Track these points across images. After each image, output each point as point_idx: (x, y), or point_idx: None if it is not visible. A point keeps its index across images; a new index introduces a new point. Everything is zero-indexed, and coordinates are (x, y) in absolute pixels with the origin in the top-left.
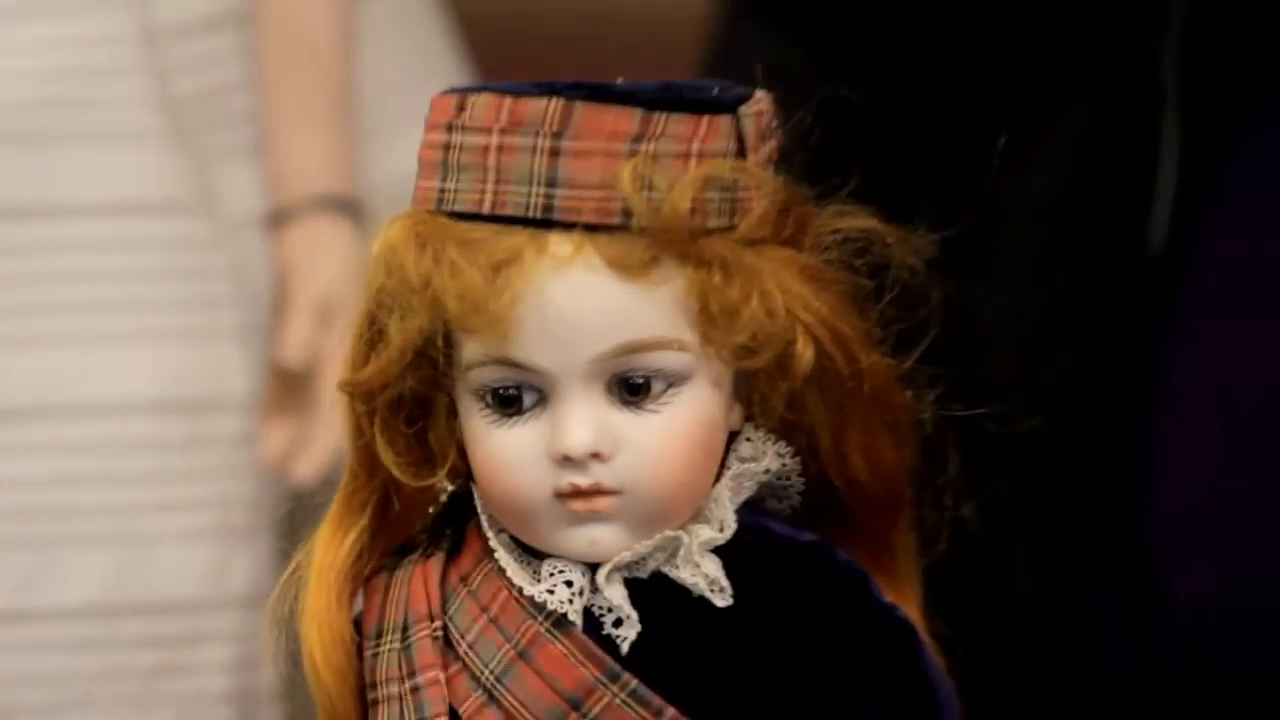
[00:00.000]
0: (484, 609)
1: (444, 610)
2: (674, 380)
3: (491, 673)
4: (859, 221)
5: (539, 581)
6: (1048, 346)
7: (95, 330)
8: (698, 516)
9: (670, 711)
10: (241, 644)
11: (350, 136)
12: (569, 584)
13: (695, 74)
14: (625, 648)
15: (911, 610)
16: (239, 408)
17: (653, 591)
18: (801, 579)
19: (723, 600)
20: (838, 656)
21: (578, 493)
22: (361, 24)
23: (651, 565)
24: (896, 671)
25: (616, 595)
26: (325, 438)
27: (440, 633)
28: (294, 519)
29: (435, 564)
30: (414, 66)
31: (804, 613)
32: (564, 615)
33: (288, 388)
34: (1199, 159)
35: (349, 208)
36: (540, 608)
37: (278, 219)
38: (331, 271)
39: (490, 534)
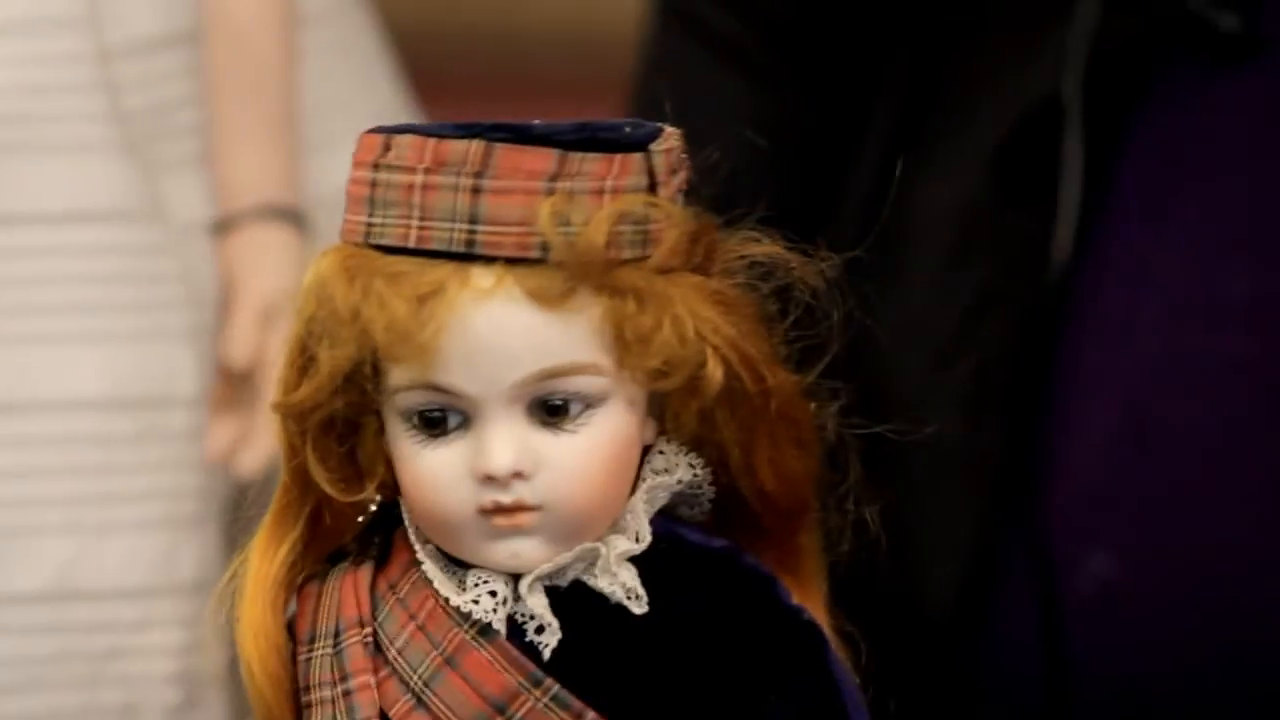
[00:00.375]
0: (412, 616)
1: (374, 617)
2: (591, 402)
3: (420, 678)
4: (764, 248)
5: (464, 591)
6: (953, 352)
7: (50, 331)
8: (615, 527)
9: (590, 715)
10: (188, 629)
11: (293, 149)
12: (493, 594)
13: (625, 89)
14: (547, 654)
15: (817, 610)
16: (187, 404)
17: (572, 600)
18: (712, 584)
19: (639, 608)
20: (746, 657)
21: (500, 509)
22: (305, 45)
23: (571, 575)
24: (802, 671)
25: (538, 604)
26: (268, 433)
27: (370, 639)
28: (236, 523)
29: (365, 572)
30: (355, 86)
31: (714, 616)
32: (488, 624)
33: (233, 386)
34: (1098, 170)
35: (292, 216)
36: (465, 616)
37: (223, 227)
38: (274, 276)
39: (417, 545)
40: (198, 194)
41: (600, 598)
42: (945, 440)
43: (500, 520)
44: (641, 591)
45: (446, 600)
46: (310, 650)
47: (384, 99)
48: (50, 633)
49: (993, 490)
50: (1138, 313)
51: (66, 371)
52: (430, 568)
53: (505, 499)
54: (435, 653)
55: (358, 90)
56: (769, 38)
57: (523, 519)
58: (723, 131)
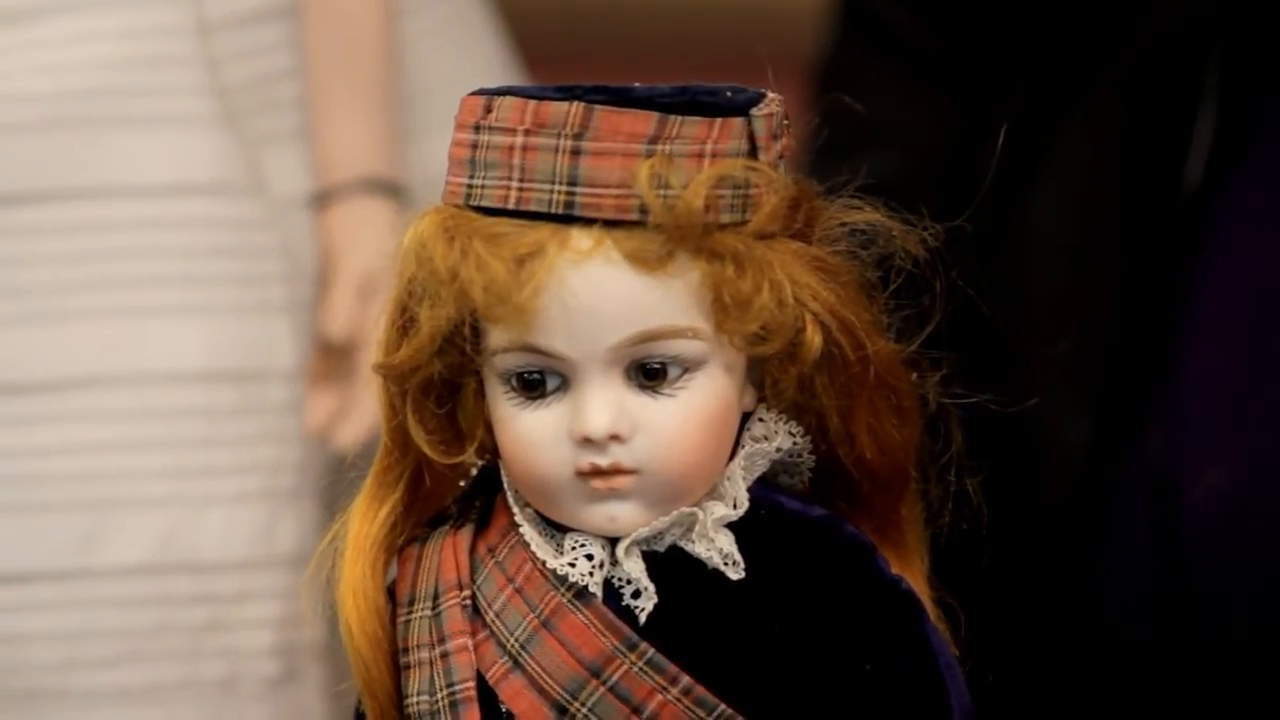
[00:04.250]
0: (510, 579)
1: (472, 580)
2: (689, 366)
3: (516, 640)
4: (865, 215)
5: (561, 554)
6: (1081, 281)
7: (150, 304)
8: (713, 493)
9: (685, 679)
10: (287, 602)
11: (392, 124)
12: (590, 557)
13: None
14: (643, 618)
15: (917, 581)
16: (286, 378)
17: (669, 565)
18: (810, 552)
19: (736, 573)
20: (844, 626)
21: (597, 472)
22: (414, 27)
23: (668, 540)
24: (900, 641)
25: (635, 568)
26: (366, 407)
27: (469, 601)
28: (335, 487)
29: (464, 535)
30: (464, 68)
31: (812, 585)
32: (585, 587)
33: (331, 360)
34: (1237, 106)
35: (391, 190)
36: (562, 580)
37: (323, 200)
38: (373, 250)
39: (515, 509)
40: (297, 168)
41: (697, 563)
42: (1066, 357)
43: (597, 483)
44: (739, 557)
45: (544, 563)
46: (409, 612)
47: (494, 80)
48: (150, 605)
49: (1109, 405)
50: (1262, 238)
51: (167, 344)
52: (528, 530)
53: (602, 462)
54: (532, 615)
55: (467, 72)
56: (953, 44)
57: (619, 482)
58: (899, 136)
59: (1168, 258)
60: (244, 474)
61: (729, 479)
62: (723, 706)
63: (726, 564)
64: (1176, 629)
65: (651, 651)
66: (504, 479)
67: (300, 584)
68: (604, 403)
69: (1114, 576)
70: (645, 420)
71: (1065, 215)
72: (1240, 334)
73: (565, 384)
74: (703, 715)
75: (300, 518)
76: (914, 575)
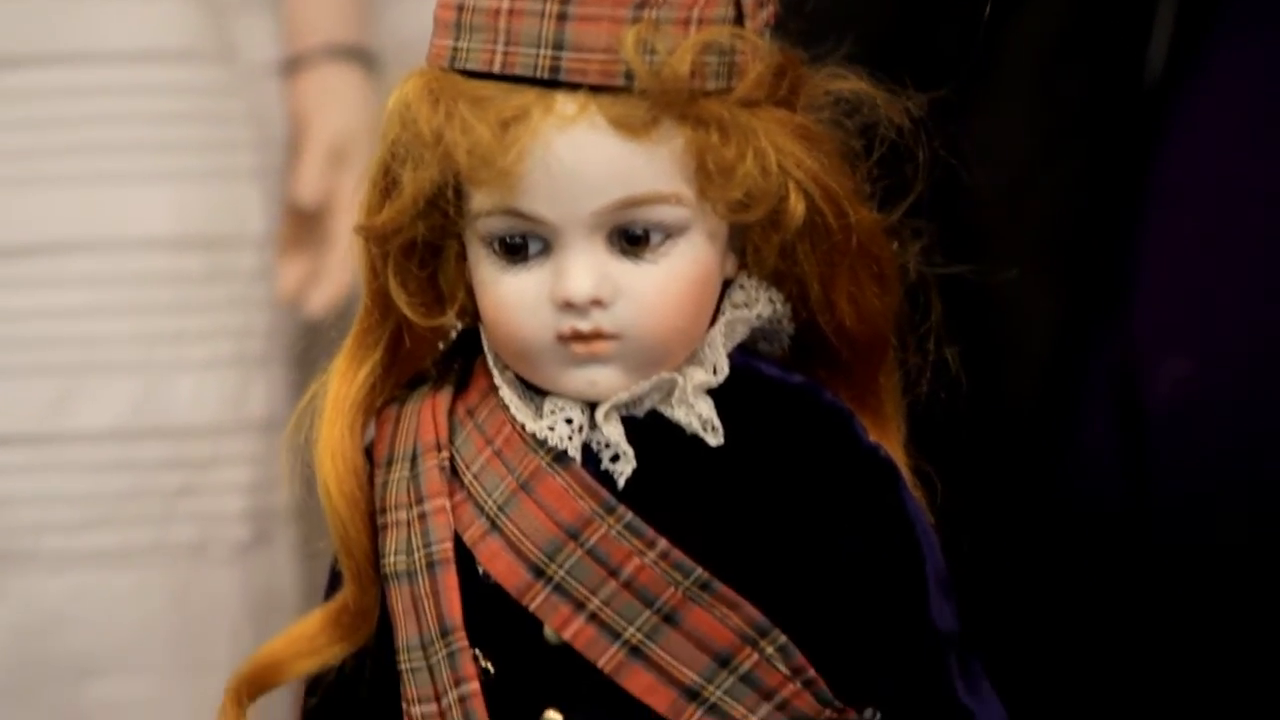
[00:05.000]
0: (489, 442)
1: (451, 441)
2: (671, 232)
3: (494, 502)
4: (849, 84)
5: (541, 418)
6: (1046, 167)
7: (119, 170)
8: (692, 360)
9: (662, 543)
10: (258, 466)
11: None
12: (569, 421)
13: None
14: (621, 483)
15: (894, 449)
16: (256, 244)
17: (648, 431)
18: (790, 419)
19: (715, 439)
20: (822, 493)
21: (578, 336)
22: None
23: (648, 405)
24: (877, 508)
25: (614, 433)
26: (337, 273)
27: (447, 463)
28: (308, 353)
29: (444, 397)
30: None
31: (791, 451)
32: (564, 451)
33: (302, 226)
34: None
35: (361, 56)
36: (542, 443)
37: (293, 66)
38: (343, 116)
39: (495, 372)
40: (267, 34)
41: (676, 429)
42: (1029, 249)
43: (578, 348)
44: (718, 423)
45: (523, 426)
46: (387, 473)
47: None
48: (121, 469)
49: (1073, 296)
50: (1226, 125)
51: (134, 210)
52: (508, 394)
53: (584, 326)
54: (511, 478)
55: None
56: None
57: (600, 347)
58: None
59: (1129, 148)
60: (214, 340)
61: (709, 345)
62: (699, 570)
63: (705, 430)
64: (1139, 513)
65: (630, 515)
66: (484, 342)
67: (271, 448)
68: (586, 268)
69: (1079, 464)
70: (627, 285)
71: (1021, 107)
72: (1204, 224)
73: (547, 248)
74: (679, 579)
75: (270, 383)
76: (891, 443)
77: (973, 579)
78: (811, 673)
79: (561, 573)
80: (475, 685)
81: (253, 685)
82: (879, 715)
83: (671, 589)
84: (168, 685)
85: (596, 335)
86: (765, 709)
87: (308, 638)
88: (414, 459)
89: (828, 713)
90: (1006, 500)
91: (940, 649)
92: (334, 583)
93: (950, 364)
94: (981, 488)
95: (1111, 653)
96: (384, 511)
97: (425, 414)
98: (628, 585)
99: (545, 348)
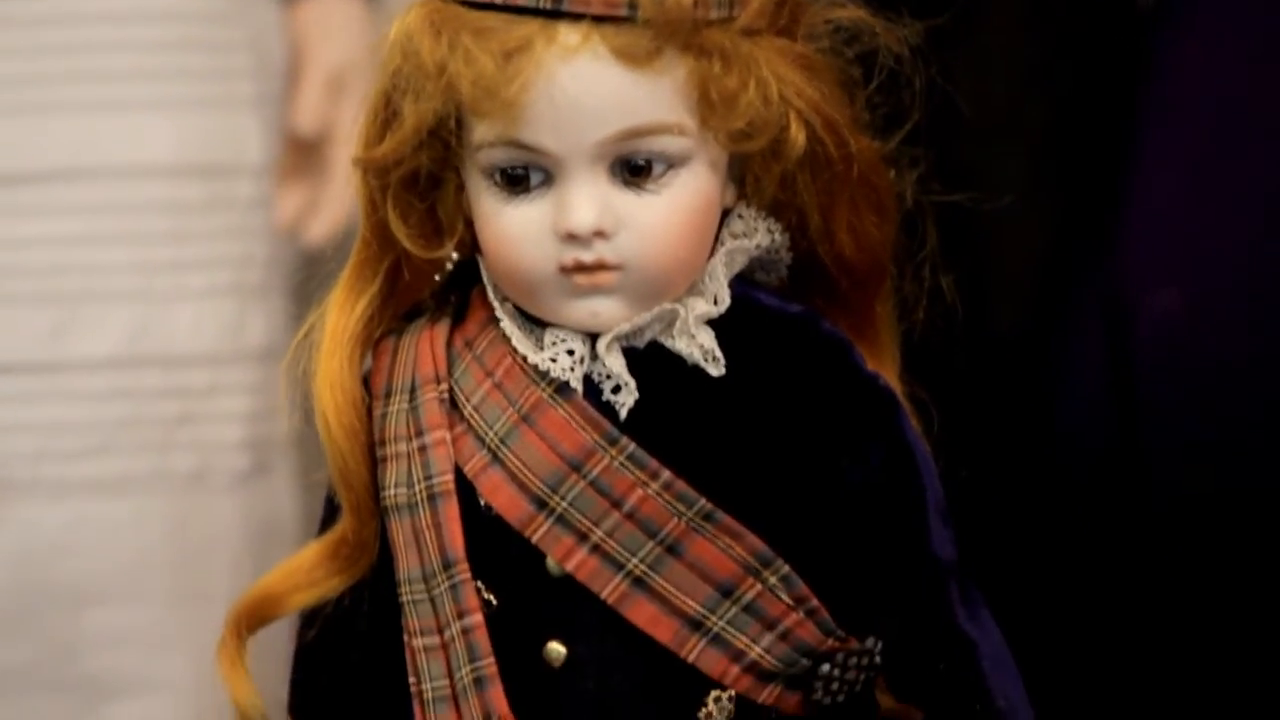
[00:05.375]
0: (489, 374)
1: (450, 373)
2: (673, 162)
3: (496, 435)
4: (848, 12)
5: (542, 350)
6: (1037, 92)
7: (118, 98)
8: (693, 290)
9: (665, 474)
10: (256, 396)
11: None
12: (570, 353)
13: None
14: (623, 414)
15: (891, 377)
16: (254, 173)
17: (649, 362)
18: (789, 348)
19: (716, 370)
20: (823, 421)
21: (581, 268)
22: None
23: (649, 336)
24: (877, 436)
25: (616, 364)
26: (336, 203)
27: (446, 395)
28: (307, 284)
29: (441, 329)
30: None
31: (792, 380)
32: (566, 382)
33: (300, 155)
34: None
35: None
36: (543, 375)
37: None
38: (343, 46)
39: (496, 304)
40: None
41: (677, 360)
42: (1022, 177)
43: (581, 279)
44: (719, 354)
45: (524, 358)
46: (386, 405)
47: None
48: (120, 398)
49: (1064, 228)
50: (1216, 56)
51: (132, 138)
52: (508, 325)
53: (586, 257)
54: (512, 410)
55: None
56: None
57: (603, 278)
58: None
59: (1120, 72)
60: (212, 269)
61: (709, 276)
62: (702, 501)
63: (707, 360)
64: (1129, 441)
65: (632, 446)
66: (484, 274)
67: (270, 378)
68: (589, 198)
69: (1070, 392)
70: (629, 216)
71: (1013, 32)
72: (1194, 154)
73: (549, 180)
74: (683, 510)
75: (269, 312)
76: (887, 371)
77: (968, 507)
78: (814, 602)
79: (564, 504)
80: (479, 617)
81: (252, 618)
82: (880, 644)
83: (674, 520)
84: (166, 614)
85: (599, 266)
86: (768, 639)
87: (305, 570)
88: (413, 391)
89: (830, 642)
90: (999, 428)
91: (941, 577)
92: (329, 516)
93: (945, 293)
94: (975, 416)
95: (1104, 580)
96: (383, 444)
97: (423, 346)
98: (630, 516)
99: (547, 279)
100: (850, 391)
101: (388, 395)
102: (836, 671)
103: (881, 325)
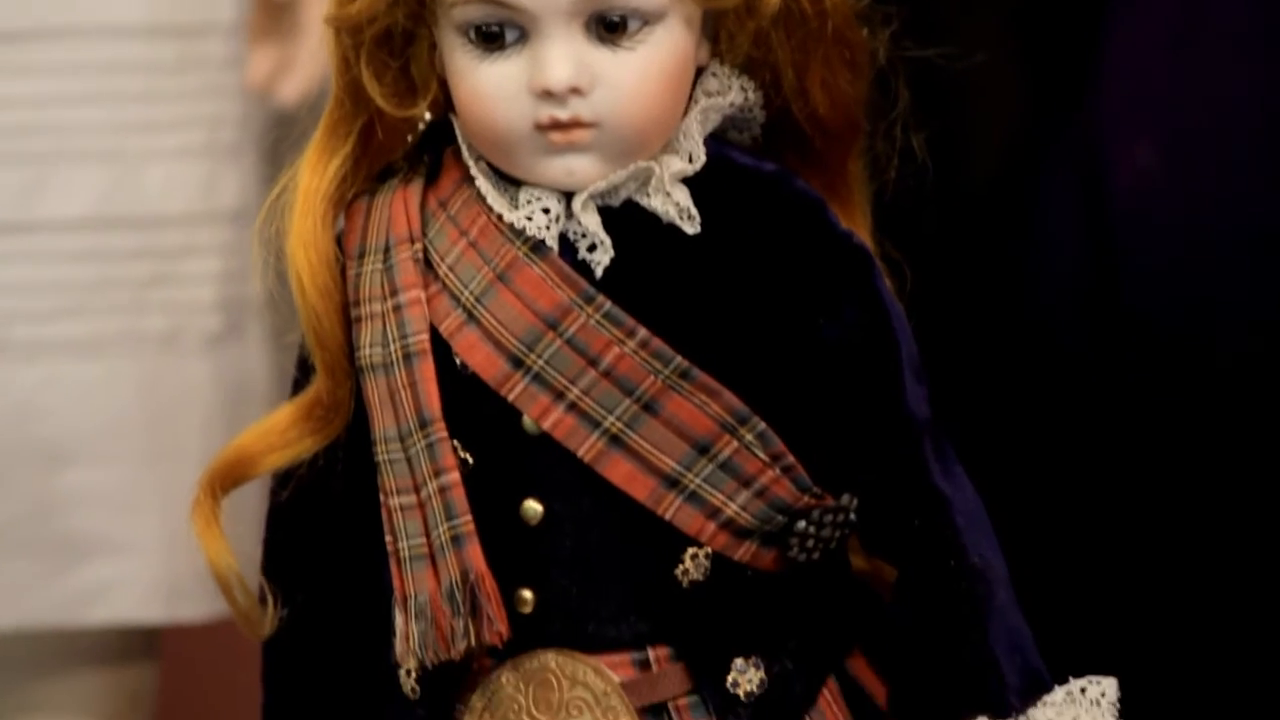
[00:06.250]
0: (463, 233)
1: (424, 233)
2: (649, 19)
3: (471, 294)
4: None
5: (517, 208)
6: None
7: None
8: (668, 148)
9: (642, 332)
10: (230, 256)
11: None
12: (546, 211)
13: None
14: (599, 272)
15: (864, 236)
16: (226, 32)
17: (624, 220)
18: (764, 206)
19: (692, 228)
20: (798, 278)
21: (557, 125)
22: None
23: (624, 194)
24: (852, 294)
25: (591, 222)
26: (308, 63)
27: (421, 254)
28: (280, 144)
29: (414, 189)
30: None
31: (767, 238)
32: (541, 241)
33: (272, 14)
34: None
35: None
36: (519, 233)
37: None
38: None
39: (470, 162)
40: None
41: (652, 218)
42: (996, 34)
43: (556, 136)
44: (695, 212)
45: (499, 217)
46: (360, 266)
47: None
48: (92, 259)
49: (1038, 84)
50: None
51: None
52: (483, 184)
53: (562, 114)
54: (487, 269)
55: None
56: None
57: (578, 135)
58: None
59: None
60: (185, 129)
61: (684, 134)
62: (679, 359)
63: (682, 218)
64: (1106, 299)
65: (609, 304)
66: (458, 133)
67: (243, 239)
68: (564, 56)
69: (1044, 248)
70: (605, 73)
71: None
72: (1169, 11)
73: (524, 37)
74: (659, 367)
75: (242, 173)
76: (860, 230)
77: (944, 366)
78: (790, 459)
79: (540, 362)
80: (456, 475)
81: (226, 479)
82: (855, 502)
83: (651, 378)
84: (139, 474)
85: (575, 123)
86: (744, 496)
87: (279, 431)
88: (387, 251)
89: (806, 499)
90: (974, 287)
91: (915, 433)
92: (302, 377)
93: (917, 151)
94: (948, 275)
95: (1082, 438)
96: (358, 304)
97: (397, 206)
98: (607, 374)
99: (523, 137)
100: (824, 249)
101: (361, 255)
102: (812, 529)
103: (854, 183)
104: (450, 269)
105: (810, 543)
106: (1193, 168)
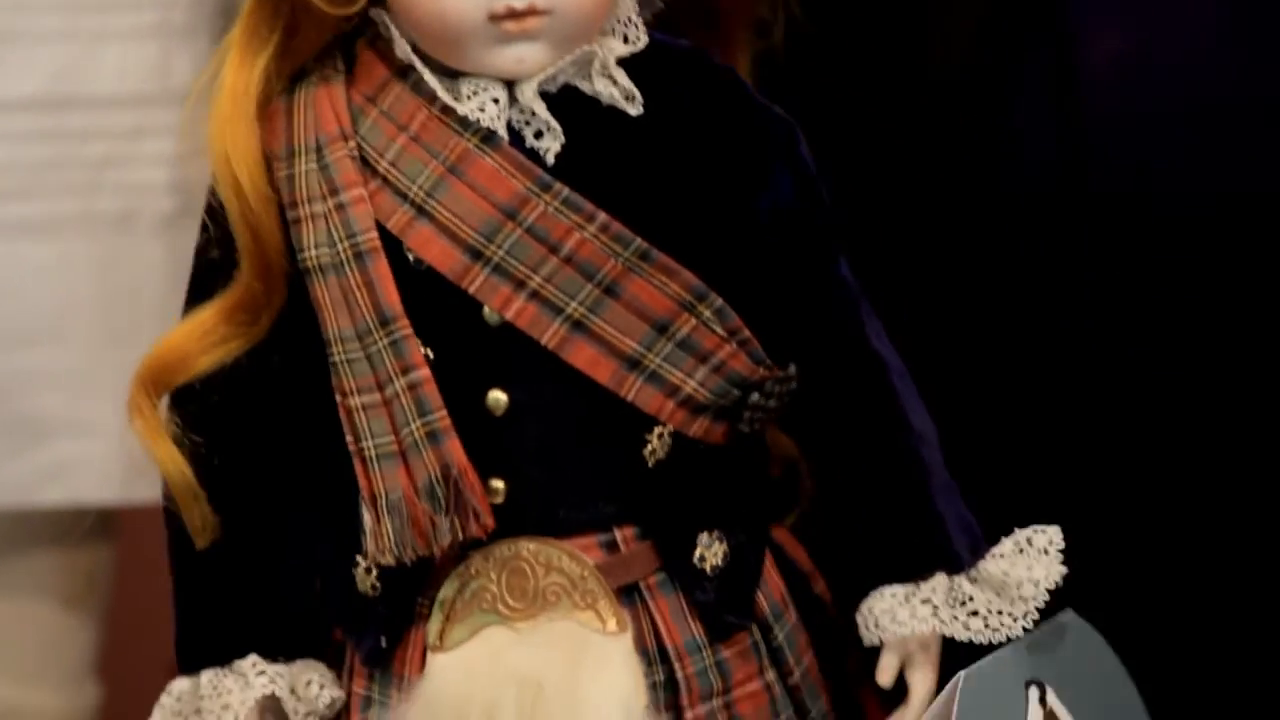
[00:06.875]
0: (402, 128)
1: (355, 130)
2: None
3: (420, 188)
4: None
5: (460, 101)
6: None
7: None
8: (604, 31)
9: (602, 216)
10: (184, 138)
11: None
12: (496, 101)
13: None
14: (550, 159)
15: None
16: None
17: (566, 106)
18: (689, 83)
19: (635, 109)
20: (734, 151)
21: (513, 14)
22: None
23: (561, 80)
24: (784, 162)
25: (540, 108)
26: None
27: (356, 152)
28: (229, 26)
29: (338, 86)
30: None
31: (698, 115)
32: (492, 131)
33: None
34: None
35: None
36: (467, 125)
37: None
38: None
39: (413, 58)
40: None
41: (593, 102)
42: None
43: (510, 25)
44: (637, 93)
45: (444, 109)
46: (291, 167)
47: None
48: (45, 139)
49: None
50: None
51: None
52: (430, 77)
53: (519, 3)
54: (435, 163)
55: None
56: None
57: (531, 23)
58: None
59: None
60: (138, 9)
61: (622, 16)
62: (638, 240)
63: (626, 100)
64: (1076, 189)
65: (567, 191)
66: (390, 29)
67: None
68: None
69: (1015, 138)
70: None
71: None
72: None
73: None
74: (619, 250)
75: (195, 54)
76: None
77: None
78: (746, 333)
79: (500, 253)
80: (426, 371)
81: (159, 381)
82: (794, 369)
83: (612, 261)
84: (93, 355)
85: (530, 11)
86: (702, 372)
87: (205, 332)
88: (319, 150)
89: (761, 371)
90: (946, 176)
91: (852, 296)
92: (205, 277)
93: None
94: (922, 164)
95: (1048, 325)
96: (294, 205)
97: (322, 104)
98: (569, 260)
99: (476, 27)
100: (752, 121)
101: (290, 156)
102: (763, 400)
103: (744, 52)
104: (392, 164)
105: (760, 414)
106: (1164, 54)
